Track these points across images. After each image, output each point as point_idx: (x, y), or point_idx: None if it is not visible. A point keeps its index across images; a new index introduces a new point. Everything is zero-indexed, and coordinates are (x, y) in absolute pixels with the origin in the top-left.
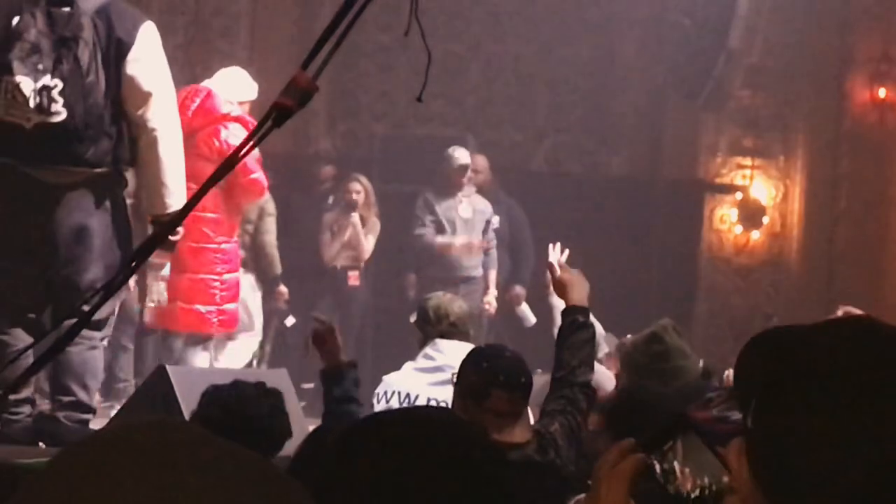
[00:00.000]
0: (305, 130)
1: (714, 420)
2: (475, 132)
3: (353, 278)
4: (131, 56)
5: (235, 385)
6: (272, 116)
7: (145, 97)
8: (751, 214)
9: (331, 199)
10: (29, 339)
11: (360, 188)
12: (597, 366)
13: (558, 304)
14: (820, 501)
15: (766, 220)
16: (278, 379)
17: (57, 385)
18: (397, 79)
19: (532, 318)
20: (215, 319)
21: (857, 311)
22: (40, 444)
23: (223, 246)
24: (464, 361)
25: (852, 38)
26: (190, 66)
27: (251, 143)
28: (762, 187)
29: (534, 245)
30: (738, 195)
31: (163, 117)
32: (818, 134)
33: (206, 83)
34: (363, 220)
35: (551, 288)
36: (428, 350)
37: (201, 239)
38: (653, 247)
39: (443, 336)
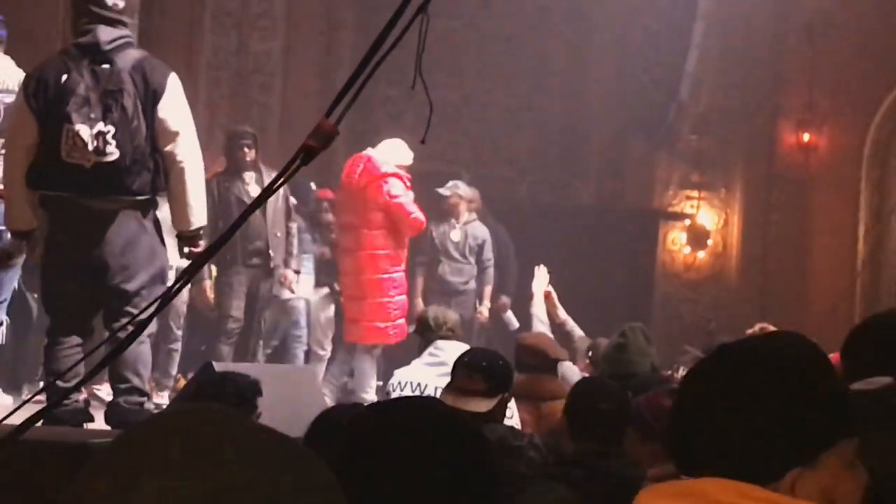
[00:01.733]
0: (328, 167)
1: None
2: (469, 169)
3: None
4: (163, 103)
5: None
6: (300, 156)
7: (174, 136)
8: (697, 238)
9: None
10: (74, 341)
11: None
12: (566, 363)
13: (538, 312)
14: None
15: (710, 242)
16: (304, 374)
17: (115, 376)
18: (404, 124)
19: (516, 323)
20: (392, 332)
21: (771, 327)
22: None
23: (394, 275)
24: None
25: (782, 90)
26: (233, 113)
27: (283, 177)
28: (707, 215)
29: (516, 262)
30: (687, 221)
31: (188, 152)
32: (753, 171)
33: (368, 151)
34: None
35: (534, 300)
36: (432, 349)
37: (379, 271)
38: (616, 264)
39: (442, 339)
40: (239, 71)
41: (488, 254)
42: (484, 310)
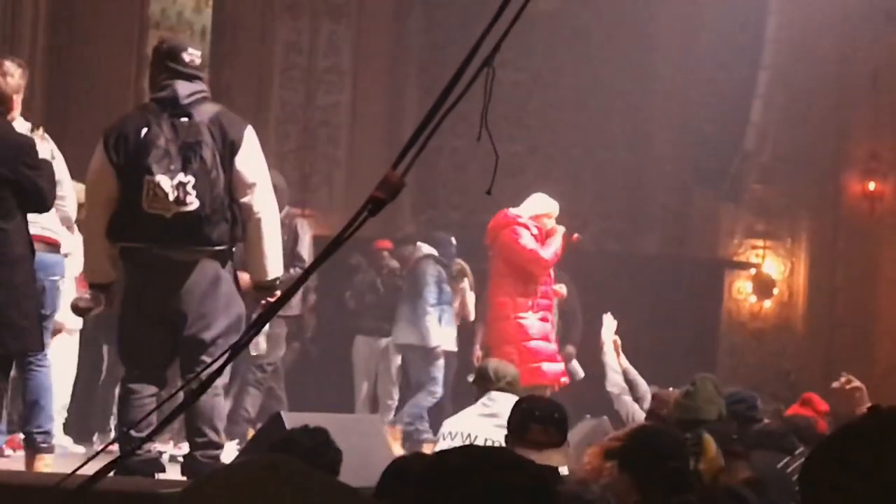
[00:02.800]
0: (394, 218)
1: None
2: None
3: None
4: (240, 155)
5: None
6: (368, 207)
7: (251, 187)
8: (763, 287)
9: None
10: (148, 391)
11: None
12: (626, 399)
13: (610, 361)
14: None
15: (776, 291)
16: (372, 424)
17: (191, 429)
18: (469, 175)
19: (581, 373)
20: (545, 371)
21: (855, 381)
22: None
23: (521, 321)
24: (511, 408)
25: (847, 140)
26: (300, 167)
27: (352, 228)
28: (773, 264)
29: (581, 311)
30: (753, 271)
31: (264, 203)
32: (819, 220)
33: (513, 210)
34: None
35: (605, 349)
36: (484, 400)
37: (500, 317)
38: (682, 313)
39: (498, 391)
40: (307, 124)
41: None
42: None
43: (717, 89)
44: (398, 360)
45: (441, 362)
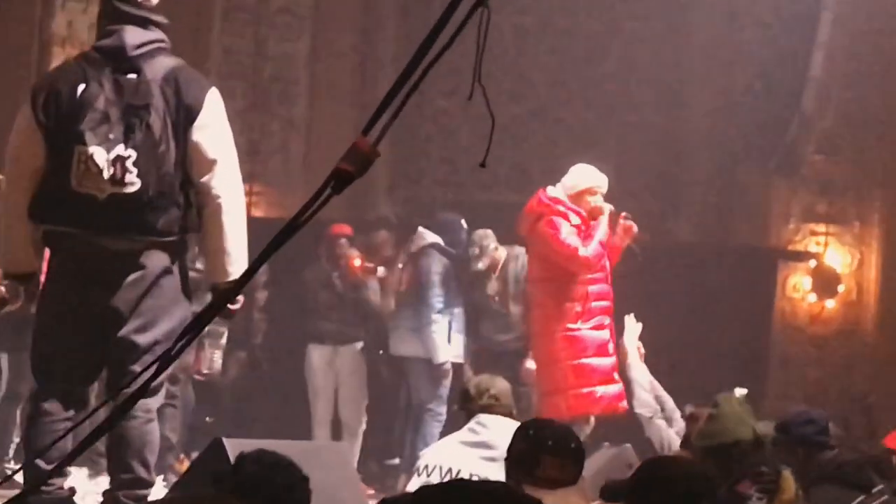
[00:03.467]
0: (365, 196)
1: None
2: None
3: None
4: (198, 123)
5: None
6: (332, 183)
7: (210, 165)
8: (825, 282)
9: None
10: (64, 412)
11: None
12: (660, 423)
13: (637, 376)
14: None
15: (841, 288)
16: (336, 453)
17: (116, 461)
18: (459, 144)
19: None
20: (598, 398)
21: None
22: None
23: (568, 334)
24: (514, 435)
25: None
26: (247, 132)
27: (312, 209)
28: (837, 254)
29: None
30: (812, 262)
31: (227, 185)
32: (895, 199)
33: (552, 190)
34: None
35: (629, 361)
36: (471, 424)
37: (545, 331)
38: (723, 315)
39: (484, 410)
40: (256, 79)
41: None
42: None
43: (769, 36)
44: (363, 372)
45: (448, 381)
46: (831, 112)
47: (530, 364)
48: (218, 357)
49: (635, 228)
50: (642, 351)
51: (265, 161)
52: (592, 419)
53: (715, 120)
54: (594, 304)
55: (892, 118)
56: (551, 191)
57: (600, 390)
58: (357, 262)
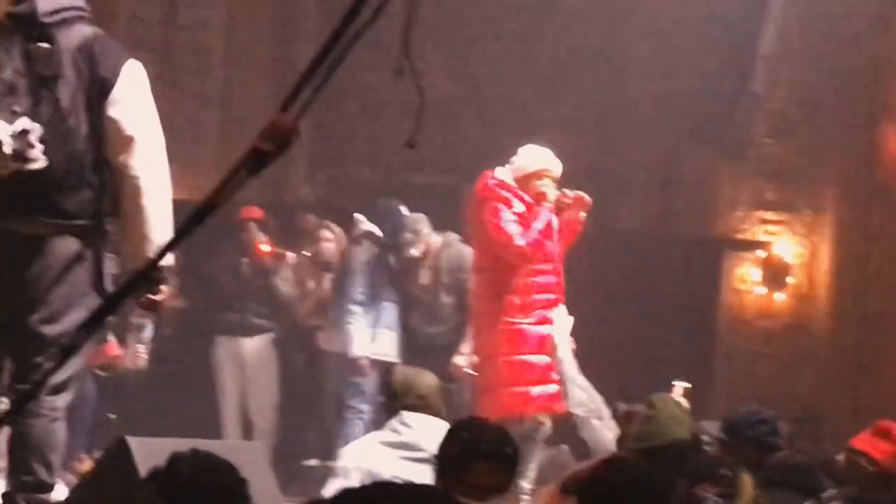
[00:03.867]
0: (284, 177)
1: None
2: (471, 181)
3: (323, 339)
4: (113, 97)
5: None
6: (249, 163)
7: (127, 142)
8: (774, 274)
9: (307, 252)
10: None
11: (331, 236)
12: (596, 424)
13: (570, 372)
14: None
15: (791, 280)
16: (249, 453)
17: (16, 462)
18: (386, 122)
19: None
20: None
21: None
22: None
23: (509, 328)
24: (445, 434)
25: (888, 81)
26: (157, 105)
27: (226, 191)
28: (787, 244)
29: None
30: (761, 253)
31: (147, 165)
32: (849, 186)
33: (500, 171)
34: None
35: (561, 357)
36: (394, 423)
37: (485, 324)
38: (666, 308)
39: (409, 409)
40: (166, 50)
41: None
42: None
43: (717, 12)
44: (272, 366)
45: (370, 378)
46: (783, 93)
47: (460, 360)
48: (143, 351)
49: (587, 198)
50: (573, 346)
51: (176, 139)
52: (549, 422)
53: (659, 100)
54: (537, 296)
55: (847, 100)
56: (499, 172)
57: (536, 390)
58: (265, 248)
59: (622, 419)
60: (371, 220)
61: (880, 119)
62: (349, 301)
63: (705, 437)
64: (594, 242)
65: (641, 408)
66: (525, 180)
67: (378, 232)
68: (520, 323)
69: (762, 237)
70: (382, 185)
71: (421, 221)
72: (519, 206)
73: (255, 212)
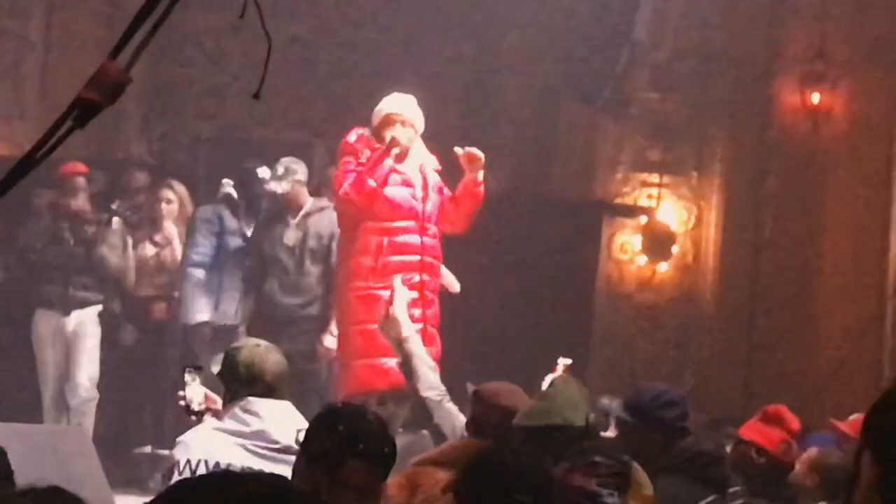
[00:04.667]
0: (115, 132)
1: (582, 492)
2: (325, 137)
3: (160, 310)
4: None
5: None
6: (73, 114)
7: None
8: (657, 242)
9: (139, 214)
10: None
11: (173, 196)
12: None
13: (414, 348)
14: None
15: (675, 249)
16: (74, 438)
17: None
18: (229, 70)
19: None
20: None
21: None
22: None
23: (365, 292)
24: (315, 421)
25: (782, 30)
26: None
27: (48, 145)
28: (671, 209)
29: None
30: (643, 219)
31: None
32: (740, 146)
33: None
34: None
35: (404, 333)
36: (238, 411)
37: (344, 288)
38: (539, 279)
39: (256, 395)
40: None
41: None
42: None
43: None
44: (96, 336)
45: (211, 347)
46: (668, 42)
47: (328, 340)
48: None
49: (478, 153)
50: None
51: None
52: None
53: (532, 50)
54: (392, 258)
55: (738, 51)
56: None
57: (388, 362)
58: (88, 210)
59: (472, 400)
60: (236, 182)
61: (773, 71)
62: (187, 263)
63: (604, 416)
64: None
65: (492, 389)
66: (378, 129)
67: (235, 193)
68: (371, 288)
69: (644, 202)
70: (224, 140)
71: (297, 163)
72: (362, 156)
73: (79, 166)
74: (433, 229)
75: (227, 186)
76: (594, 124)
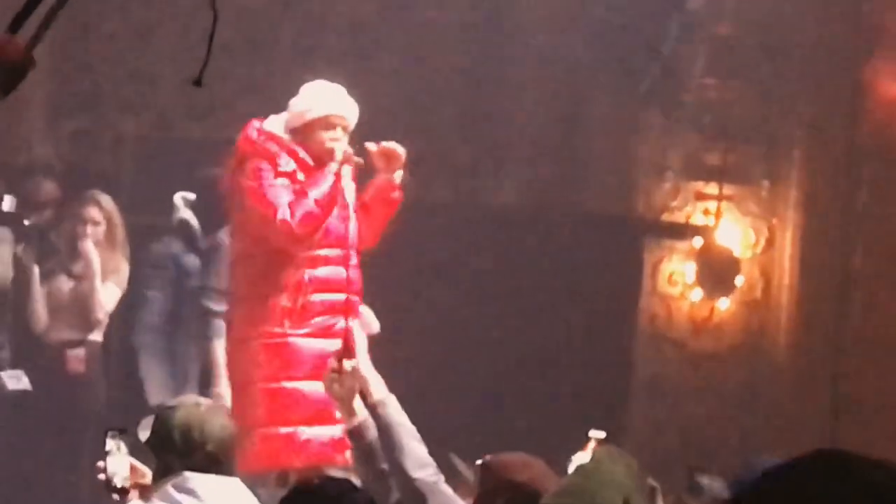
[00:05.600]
0: (15, 128)
1: None
2: None
3: (76, 360)
4: None
5: None
6: None
7: None
8: (716, 272)
9: (51, 234)
10: None
11: (99, 216)
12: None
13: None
14: None
15: (739, 280)
16: None
17: None
18: (160, 51)
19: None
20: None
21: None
22: None
23: (270, 341)
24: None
25: (880, 3)
26: None
27: None
28: (734, 229)
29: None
30: (697, 241)
31: None
32: (823, 148)
33: (272, 120)
34: (102, 265)
35: (371, 389)
36: (171, 490)
37: (237, 334)
38: (562, 319)
39: (194, 469)
40: None
41: None
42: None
43: None
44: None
45: None
46: (731, 13)
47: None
48: None
49: (399, 149)
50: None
51: None
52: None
53: (553, 18)
54: (315, 297)
55: (821, 26)
56: (270, 122)
57: (306, 432)
58: None
59: (479, 471)
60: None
61: (867, 54)
62: (141, 328)
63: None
64: (456, 223)
65: (511, 456)
66: (306, 131)
67: (195, 223)
68: (288, 335)
69: (699, 219)
70: (153, 140)
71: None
72: (288, 164)
73: None
74: (355, 259)
75: (182, 208)
76: (634, 117)
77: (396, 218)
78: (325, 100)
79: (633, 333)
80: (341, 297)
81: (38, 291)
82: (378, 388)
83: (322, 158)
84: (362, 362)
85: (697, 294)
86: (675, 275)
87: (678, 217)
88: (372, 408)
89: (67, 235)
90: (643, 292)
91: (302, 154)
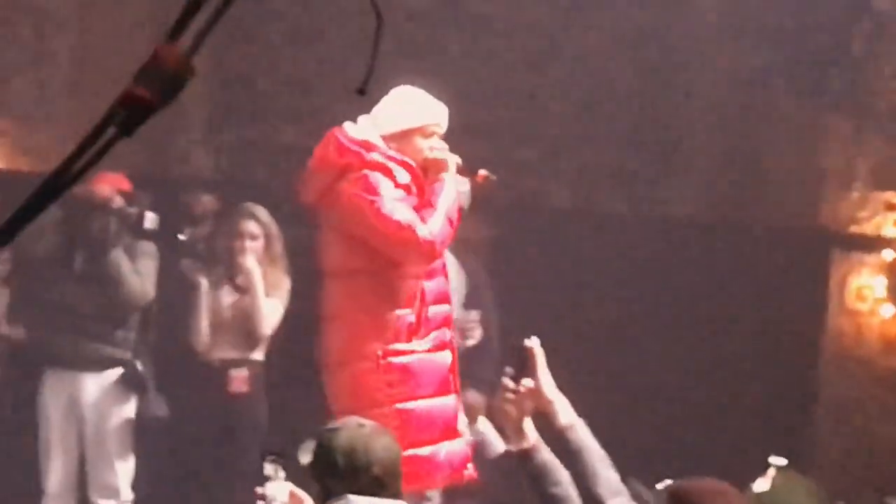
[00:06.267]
0: (171, 140)
1: None
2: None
3: (239, 381)
4: None
5: None
6: (118, 117)
7: None
8: None
9: (210, 248)
10: None
11: (257, 229)
12: None
13: (589, 441)
14: None
15: None
16: None
17: None
18: (322, 58)
19: (499, 446)
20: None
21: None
22: None
23: (386, 358)
24: None
25: None
26: None
27: (86, 157)
28: None
29: (498, 329)
30: (888, 254)
31: None
32: None
33: (360, 125)
34: (263, 280)
35: (558, 411)
36: None
37: (347, 348)
38: (745, 336)
39: (359, 493)
40: None
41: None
42: None
43: None
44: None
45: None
46: None
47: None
48: None
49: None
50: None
51: (6, 83)
52: (438, 497)
53: (727, 21)
54: (432, 309)
55: None
56: (356, 129)
57: (444, 449)
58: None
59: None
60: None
61: None
62: None
63: None
64: (633, 236)
65: (711, 485)
66: (402, 141)
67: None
68: (415, 351)
69: (890, 231)
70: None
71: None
72: (404, 177)
73: (120, 180)
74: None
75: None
76: (819, 125)
77: (570, 230)
78: (421, 106)
79: (818, 352)
80: (448, 308)
81: (206, 307)
82: (566, 411)
83: (428, 168)
84: (545, 383)
85: (888, 310)
86: (864, 290)
87: (867, 229)
88: (560, 432)
89: (225, 250)
90: (829, 309)
91: (414, 165)
